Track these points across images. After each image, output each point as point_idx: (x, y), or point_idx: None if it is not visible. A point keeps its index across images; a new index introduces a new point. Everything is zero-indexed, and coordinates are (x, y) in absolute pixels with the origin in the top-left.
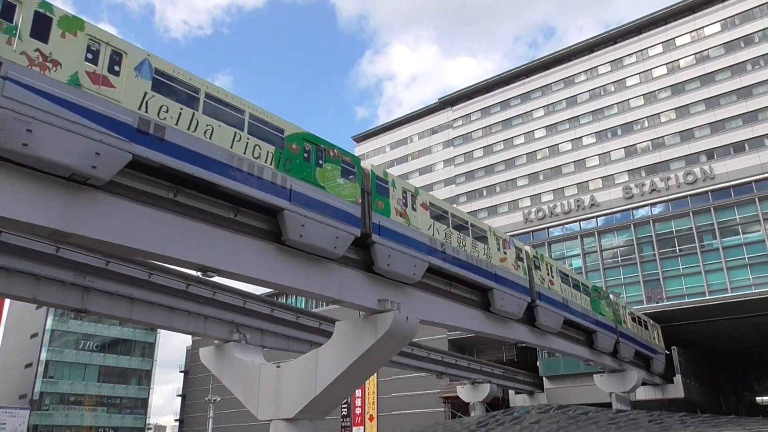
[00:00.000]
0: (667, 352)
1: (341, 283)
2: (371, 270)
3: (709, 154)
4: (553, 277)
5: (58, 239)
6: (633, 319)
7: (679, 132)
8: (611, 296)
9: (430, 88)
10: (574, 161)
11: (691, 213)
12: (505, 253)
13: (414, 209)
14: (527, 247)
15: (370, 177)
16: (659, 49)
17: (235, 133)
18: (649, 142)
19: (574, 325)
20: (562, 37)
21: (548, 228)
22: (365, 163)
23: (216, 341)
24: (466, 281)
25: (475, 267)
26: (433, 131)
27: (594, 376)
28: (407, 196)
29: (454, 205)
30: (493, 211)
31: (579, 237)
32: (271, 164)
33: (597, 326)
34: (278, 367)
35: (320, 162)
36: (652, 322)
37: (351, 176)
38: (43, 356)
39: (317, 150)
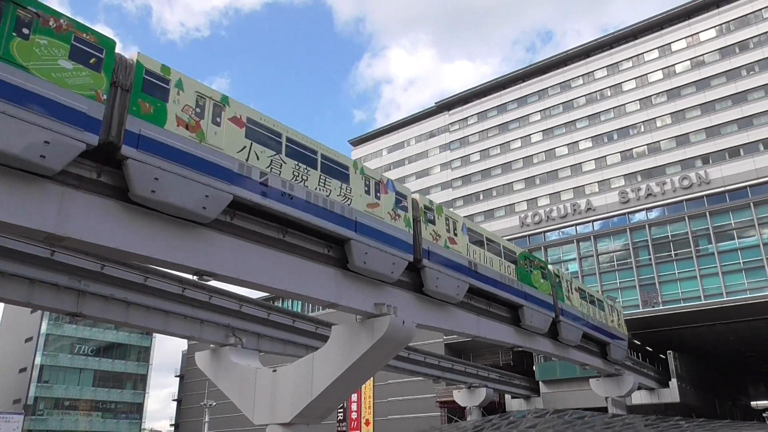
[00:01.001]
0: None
1: (338, 287)
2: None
3: (705, 158)
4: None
5: (53, 243)
6: (583, 297)
7: (674, 137)
8: (550, 267)
9: (428, 91)
10: (570, 165)
11: (686, 217)
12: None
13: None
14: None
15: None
16: (655, 54)
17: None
18: (645, 146)
19: (483, 294)
20: (560, 41)
21: (544, 232)
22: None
23: (212, 345)
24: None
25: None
26: (430, 135)
27: (590, 380)
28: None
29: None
30: (489, 215)
31: (575, 241)
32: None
33: (524, 299)
34: (274, 371)
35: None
36: (611, 302)
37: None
38: (38, 360)
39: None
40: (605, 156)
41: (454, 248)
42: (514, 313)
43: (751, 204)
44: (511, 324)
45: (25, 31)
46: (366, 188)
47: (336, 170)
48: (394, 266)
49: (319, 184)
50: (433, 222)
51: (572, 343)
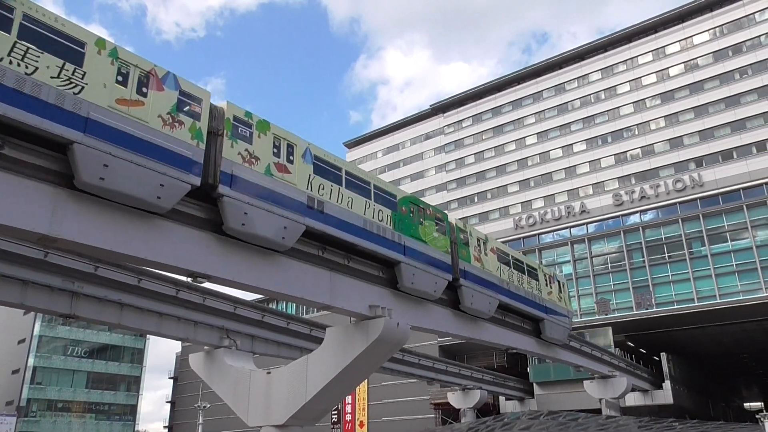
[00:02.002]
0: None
1: (332, 289)
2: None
3: (698, 161)
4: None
5: (47, 244)
6: (505, 262)
7: (668, 139)
8: (452, 220)
9: (424, 93)
10: (564, 168)
11: (680, 220)
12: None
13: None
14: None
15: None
16: (649, 57)
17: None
18: (639, 149)
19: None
20: (555, 43)
21: (539, 234)
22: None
23: (206, 347)
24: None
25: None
26: (425, 137)
27: (584, 382)
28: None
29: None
30: (484, 217)
31: (569, 243)
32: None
33: (401, 254)
34: (268, 373)
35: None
36: (550, 273)
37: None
38: (31, 362)
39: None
40: (599, 158)
41: (287, 178)
42: (390, 271)
43: (744, 206)
44: (386, 286)
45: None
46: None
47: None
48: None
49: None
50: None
51: (483, 315)
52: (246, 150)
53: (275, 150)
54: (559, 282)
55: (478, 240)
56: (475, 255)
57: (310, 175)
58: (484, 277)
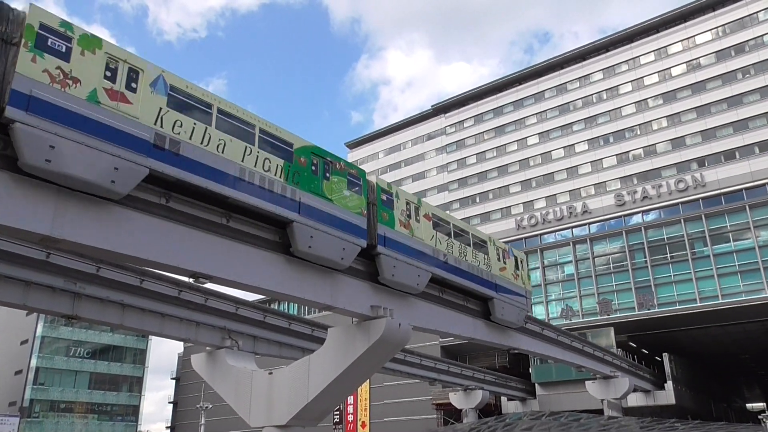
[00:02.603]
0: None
1: (334, 290)
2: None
3: (700, 161)
4: None
5: (49, 245)
6: (444, 230)
7: (670, 140)
8: (372, 178)
9: (425, 92)
10: (566, 168)
11: (682, 220)
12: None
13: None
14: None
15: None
16: (651, 57)
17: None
18: (641, 149)
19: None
20: (557, 43)
21: (541, 235)
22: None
23: (208, 348)
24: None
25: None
26: (426, 138)
27: (586, 382)
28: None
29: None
30: (485, 217)
31: (571, 244)
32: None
33: (296, 212)
34: (270, 373)
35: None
36: (504, 247)
37: (356, 188)
38: (33, 363)
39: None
40: (601, 159)
41: (123, 109)
42: (283, 233)
43: (747, 207)
44: (277, 251)
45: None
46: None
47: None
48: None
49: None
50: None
51: (410, 289)
52: (59, 68)
53: (108, 73)
54: (516, 258)
55: (408, 204)
56: (402, 220)
57: (161, 109)
58: (413, 245)
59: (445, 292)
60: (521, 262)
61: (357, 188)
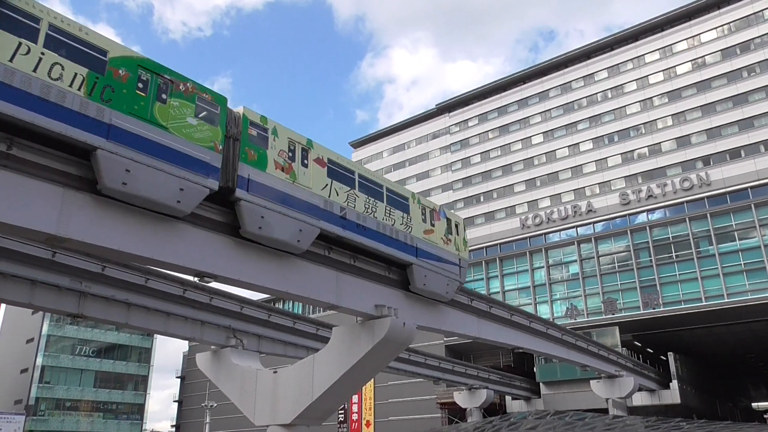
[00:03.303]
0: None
1: (338, 289)
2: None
3: (706, 160)
4: None
5: (54, 244)
6: (351, 183)
7: (675, 138)
8: (239, 109)
9: (431, 91)
10: (571, 167)
11: (687, 219)
12: (432, 225)
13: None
14: None
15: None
16: (656, 55)
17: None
18: (646, 148)
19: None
20: (562, 41)
21: (545, 234)
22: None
23: (213, 347)
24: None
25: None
26: (431, 137)
27: (591, 381)
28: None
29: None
30: (490, 216)
31: (576, 243)
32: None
33: (103, 137)
34: (275, 372)
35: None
36: (433, 206)
37: (210, 117)
38: (39, 361)
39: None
40: (606, 157)
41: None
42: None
43: (752, 205)
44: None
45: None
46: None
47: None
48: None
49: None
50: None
51: (288, 248)
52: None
53: (290, 153)
54: (450, 221)
55: (292, 143)
56: (281, 163)
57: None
58: (295, 194)
59: (357, 259)
60: (456, 226)
61: (211, 117)
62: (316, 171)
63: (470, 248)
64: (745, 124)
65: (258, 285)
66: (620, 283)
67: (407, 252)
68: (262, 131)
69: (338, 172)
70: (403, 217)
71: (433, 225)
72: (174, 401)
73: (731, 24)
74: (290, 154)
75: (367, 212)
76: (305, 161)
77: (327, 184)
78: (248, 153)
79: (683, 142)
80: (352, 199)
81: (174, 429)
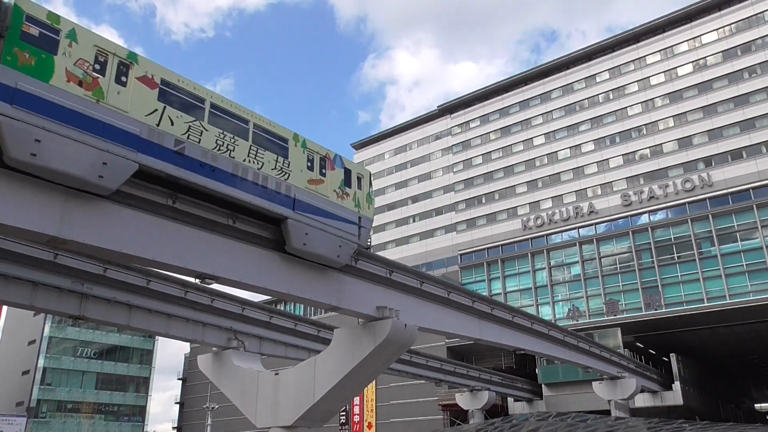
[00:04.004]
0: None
1: (340, 291)
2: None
3: (707, 161)
4: None
5: (56, 246)
6: (198, 112)
7: (677, 139)
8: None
9: (433, 92)
10: (572, 168)
11: (689, 220)
12: (322, 174)
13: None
14: None
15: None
16: (657, 57)
17: None
18: (648, 149)
19: None
20: (564, 42)
21: (547, 235)
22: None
23: (214, 348)
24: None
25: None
26: (433, 138)
27: (593, 383)
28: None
29: (453, 213)
30: (491, 218)
31: (578, 244)
32: None
33: None
34: (276, 374)
35: None
36: (325, 152)
37: None
38: (41, 363)
39: None
40: (608, 159)
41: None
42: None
43: (754, 206)
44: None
45: None
46: None
47: None
48: None
49: None
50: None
51: (78, 184)
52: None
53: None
54: (348, 171)
55: (102, 53)
56: (79, 75)
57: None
58: (95, 115)
59: (185, 201)
60: (360, 179)
61: None
62: (141, 92)
63: (471, 249)
64: (747, 125)
65: (258, 286)
66: (622, 285)
67: (280, 203)
68: (49, 31)
69: (177, 97)
70: (277, 161)
71: (323, 174)
72: (175, 403)
73: (732, 25)
74: (97, 67)
75: (219, 150)
76: (123, 78)
77: (156, 110)
78: (19, 55)
79: (685, 143)
80: (197, 132)
81: (175, 431)
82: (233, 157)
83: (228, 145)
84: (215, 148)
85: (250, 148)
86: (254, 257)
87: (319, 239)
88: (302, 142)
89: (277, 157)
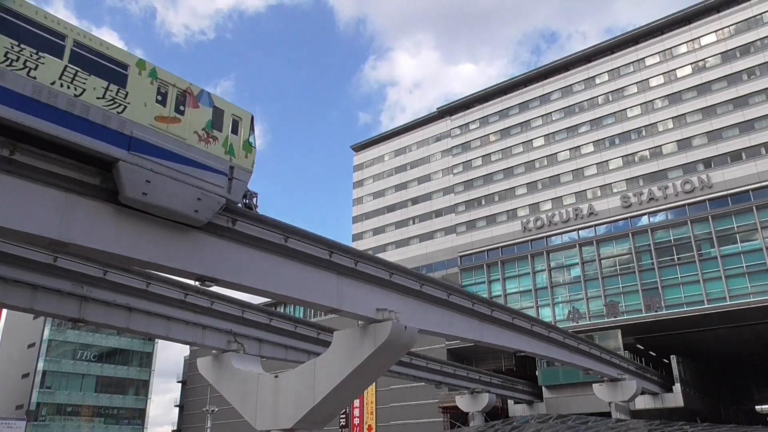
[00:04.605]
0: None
1: (340, 292)
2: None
3: (707, 162)
4: None
5: (56, 249)
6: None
7: (676, 141)
8: None
9: (433, 93)
10: (572, 170)
11: (689, 222)
12: (180, 110)
13: None
14: None
15: None
16: (656, 58)
17: None
18: (647, 150)
19: None
20: (564, 43)
21: (547, 237)
22: None
23: (214, 351)
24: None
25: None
26: (432, 140)
27: (593, 385)
28: None
29: (453, 215)
30: (491, 219)
31: (578, 246)
32: None
33: None
34: (276, 376)
35: None
36: (184, 85)
37: None
38: (40, 366)
39: None
40: (607, 160)
41: None
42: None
43: (754, 208)
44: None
45: None
46: None
47: None
48: None
49: None
50: None
51: None
52: None
53: None
54: (219, 111)
55: None
56: None
57: None
58: None
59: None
60: (236, 123)
61: None
62: None
63: (471, 251)
64: (746, 126)
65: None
66: (622, 286)
67: (107, 140)
68: None
69: None
70: (108, 90)
71: (180, 112)
72: (175, 406)
73: (731, 27)
74: None
75: (11, 66)
76: None
77: None
78: None
79: (684, 144)
80: None
81: None
82: (34, 77)
83: (26, 61)
84: (4, 62)
85: (65, 70)
86: (253, 259)
87: (168, 189)
88: (151, 71)
89: (109, 85)
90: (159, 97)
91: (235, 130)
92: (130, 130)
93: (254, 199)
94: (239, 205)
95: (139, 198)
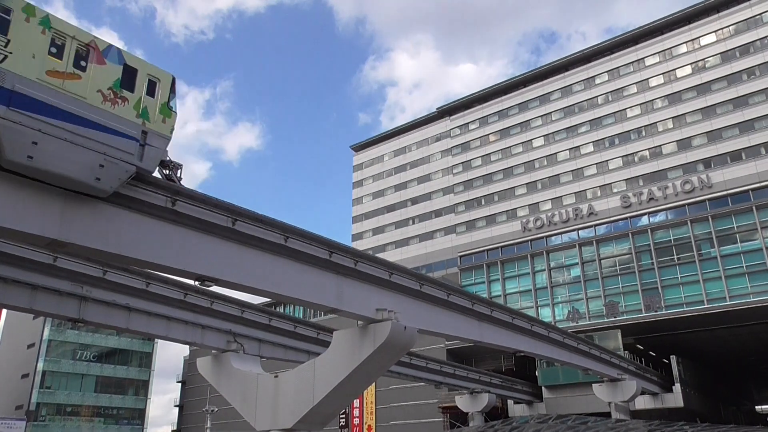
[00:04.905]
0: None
1: (340, 292)
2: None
3: (707, 163)
4: None
5: (56, 249)
6: None
7: (676, 141)
8: None
9: (433, 94)
10: (572, 170)
11: (689, 222)
12: (81, 65)
13: None
14: None
15: None
16: (656, 59)
17: None
18: (647, 150)
19: None
20: (564, 43)
21: (546, 237)
22: None
23: (214, 351)
24: None
25: None
26: (432, 140)
27: (593, 385)
28: None
29: (453, 215)
30: (491, 219)
31: (577, 246)
32: None
33: None
34: (276, 377)
35: None
36: (86, 38)
37: None
38: (40, 366)
39: None
40: (607, 160)
41: None
42: None
43: (754, 208)
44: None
45: None
46: None
47: None
48: None
49: None
50: None
51: None
52: None
53: None
54: (131, 69)
55: None
56: None
57: None
58: None
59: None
60: (154, 83)
61: None
62: None
63: (471, 251)
64: (746, 126)
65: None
66: (622, 286)
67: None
68: None
69: None
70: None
71: (81, 67)
72: (175, 406)
73: (731, 27)
74: None
75: None
76: None
77: None
78: None
79: (684, 144)
80: None
81: None
82: None
83: None
84: None
85: None
86: (252, 259)
87: (60, 153)
88: (43, 19)
89: None
90: (53, 49)
91: (151, 92)
92: (12, 84)
93: (178, 171)
94: (158, 175)
95: (23, 161)
